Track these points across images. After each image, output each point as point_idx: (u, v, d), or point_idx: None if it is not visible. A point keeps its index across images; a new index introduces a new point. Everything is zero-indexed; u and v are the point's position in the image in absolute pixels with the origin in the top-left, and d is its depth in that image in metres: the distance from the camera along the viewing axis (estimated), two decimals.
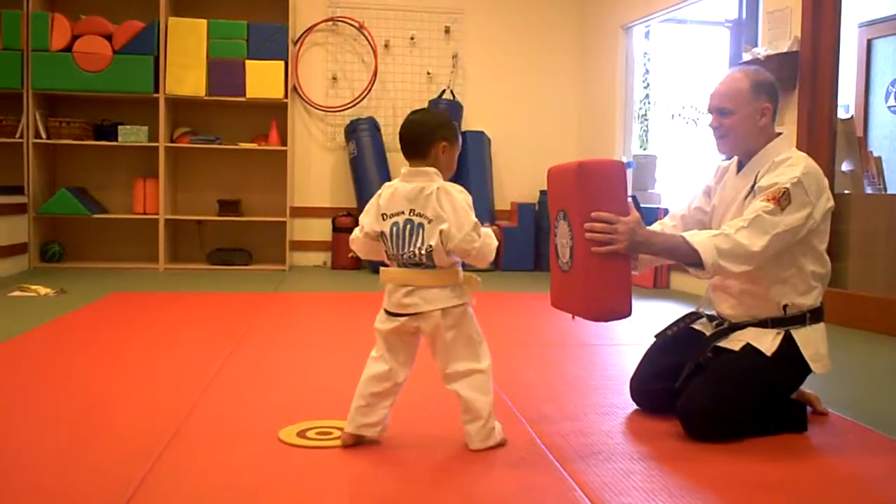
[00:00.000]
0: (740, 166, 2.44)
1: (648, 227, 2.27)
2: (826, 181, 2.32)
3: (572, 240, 2.20)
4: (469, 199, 2.05)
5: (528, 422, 2.36)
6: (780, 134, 2.41)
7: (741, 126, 2.36)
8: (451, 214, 2.00)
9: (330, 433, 2.19)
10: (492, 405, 2.08)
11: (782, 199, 2.19)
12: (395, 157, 6.28)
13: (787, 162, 2.29)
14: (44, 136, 6.12)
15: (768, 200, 2.20)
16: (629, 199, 2.20)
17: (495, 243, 2.04)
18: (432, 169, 2.06)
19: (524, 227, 6.77)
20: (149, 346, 3.43)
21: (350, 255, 6.59)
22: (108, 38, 6.06)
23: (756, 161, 2.38)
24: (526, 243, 6.76)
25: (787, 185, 2.21)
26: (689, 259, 2.21)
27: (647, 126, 7.32)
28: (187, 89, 6.20)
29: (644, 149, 7.16)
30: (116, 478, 1.84)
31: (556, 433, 2.25)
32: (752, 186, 2.34)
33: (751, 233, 2.18)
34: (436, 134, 2.08)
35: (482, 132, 6.88)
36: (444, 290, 2.04)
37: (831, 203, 2.31)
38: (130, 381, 2.81)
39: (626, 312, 2.18)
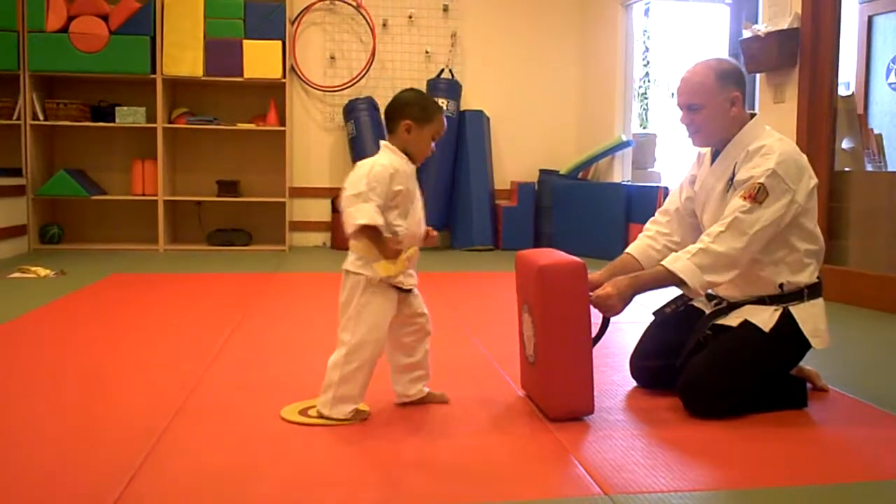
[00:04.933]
0: (715, 154, 2.43)
1: (629, 275, 2.30)
2: (805, 160, 2.30)
3: (535, 336, 2.20)
4: (376, 173, 2.07)
5: (526, 398, 2.37)
6: (753, 115, 2.38)
7: (713, 119, 2.34)
8: (349, 181, 2.10)
9: None
10: (337, 382, 2.11)
11: (759, 195, 2.20)
12: None
13: (762, 151, 2.26)
14: (41, 117, 6.09)
15: (745, 199, 2.20)
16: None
17: (354, 221, 2.03)
18: (385, 143, 2.18)
19: (524, 206, 6.75)
20: (149, 326, 3.43)
21: None
22: (105, 18, 6.01)
23: (730, 149, 2.36)
24: (525, 222, 6.75)
25: (762, 180, 2.20)
26: (678, 284, 2.23)
27: (646, 104, 7.30)
28: (184, 70, 6.16)
29: (644, 127, 7.15)
30: (118, 457, 1.85)
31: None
32: (730, 179, 2.33)
33: (729, 236, 2.19)
34: (401, 112, 2.17)
35: (481, 111, 6.85)
36: (352, 255, 2.15)
37: (814, 181, 2.30)
38: (131, 361, 2.82)
39: (588, 411, 2.19)
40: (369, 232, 2.05)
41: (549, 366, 2.15)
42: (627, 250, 2.56)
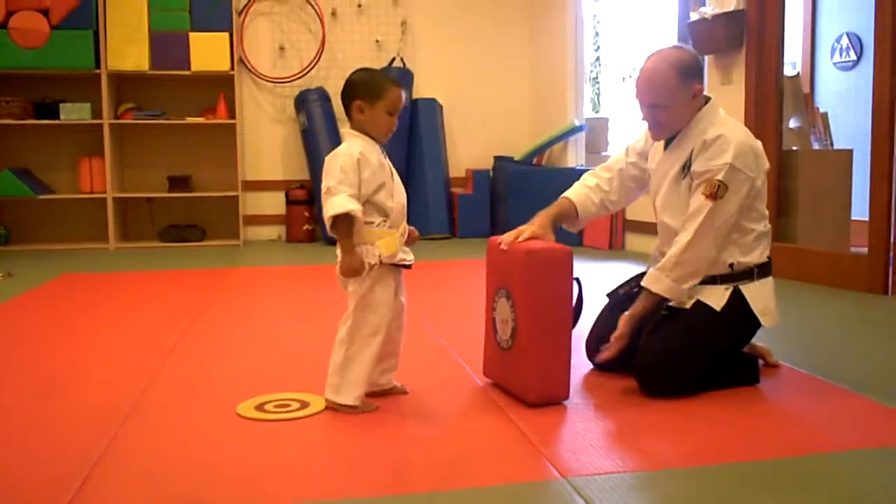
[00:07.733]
0: (669, 139, 2.44)
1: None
2: (759, 145, 2.35)
3: (515, 321, 2.18)
4: (343, 164, 2.04)
5: (486, 385, 2.38)
6: (707, 99, 2.39)
7: (677, 114, 2.36)
8: (323, 178, 2.08)
9: (288, 406, 2.18)
10: (341, 365, 2.12)
11: (719, 192, 2.24)
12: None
13: (718, 142, 2.27)
14: None
15: (707, 197, 2.25)
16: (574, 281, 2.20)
17: (331, 211, 2.01)
18: (345, 130, 2.16)
19: (479, 193, 6.76)
20: (102, 325, 3.37)
21: (305, 227, 6.54)
22: (45, 13, 5.85)
23: (685, 136, 2.38)
24: (481, 210, 6.76)
25: (720, 177, 2.24)
26: (666, 298, 2.32)
27: (598, 89, 7.32)
28: (130, 64, 6.04)
29: (596, 111, 7.18)
30: (73, 456, 1.81)
31: (513, 394, 2.27)
32: (685, 167, 2.35)
33: (697, 243, 2.26)
34: (350, 95, 2.13)
35: (434, 99, 6.83)
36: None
37: (767, 165, 2.37)
38: (83, 361, 2.76)
39: (564, 396, 2.20)
40: (343, 225, 2.02)
41: (529, 351, 2.14)
42: (566, 194, 2.57)
